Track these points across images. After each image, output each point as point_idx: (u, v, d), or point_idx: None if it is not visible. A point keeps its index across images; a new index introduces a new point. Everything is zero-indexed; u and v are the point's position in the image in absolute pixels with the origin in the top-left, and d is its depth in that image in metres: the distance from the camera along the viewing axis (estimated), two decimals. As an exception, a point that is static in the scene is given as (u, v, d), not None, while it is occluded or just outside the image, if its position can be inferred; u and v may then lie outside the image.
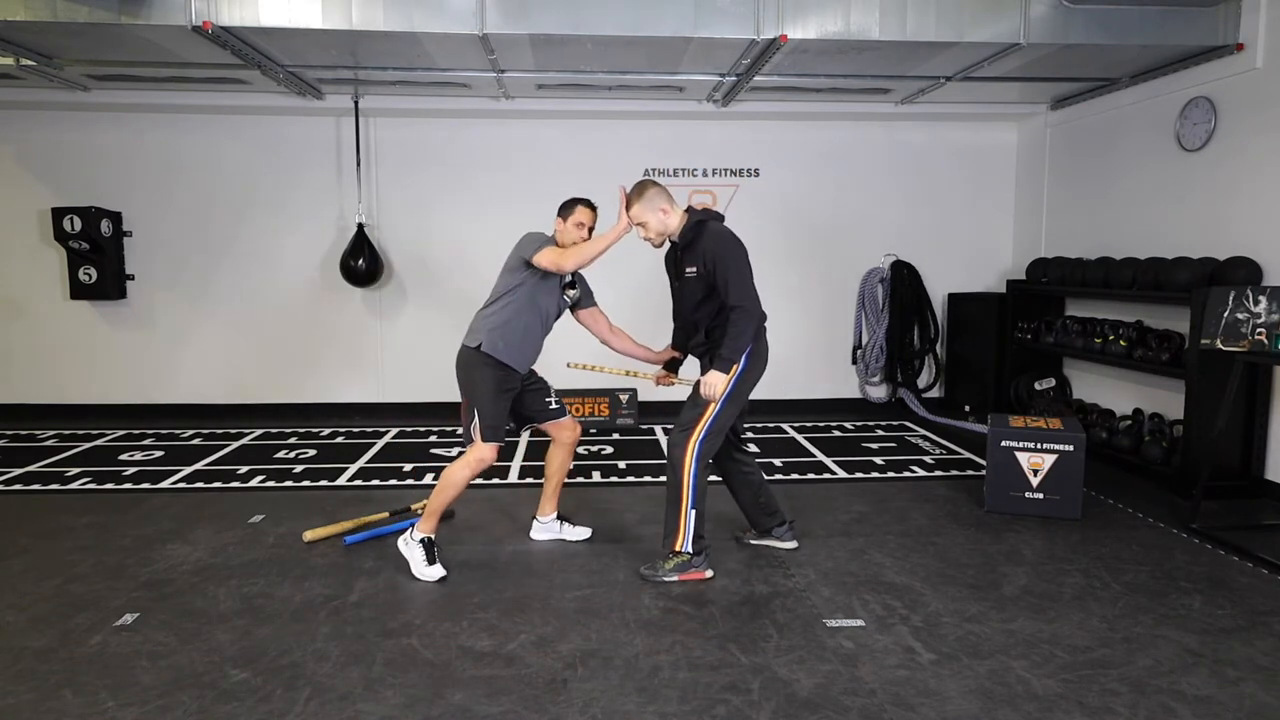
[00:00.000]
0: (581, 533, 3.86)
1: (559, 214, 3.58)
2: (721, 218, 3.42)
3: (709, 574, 3.37)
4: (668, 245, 3.50)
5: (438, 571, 3.39)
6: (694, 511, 3.31)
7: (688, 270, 3.38)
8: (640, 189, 3.34)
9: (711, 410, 3.31)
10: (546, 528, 3.86)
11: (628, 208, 3.34)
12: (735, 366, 3.31)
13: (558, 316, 3.66)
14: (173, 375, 6.64)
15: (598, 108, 6.26)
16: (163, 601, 3.16)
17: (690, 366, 3.62)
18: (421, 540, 3.43)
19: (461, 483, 3.44)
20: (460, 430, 3.56)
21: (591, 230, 3.53)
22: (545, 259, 3.37)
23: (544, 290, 3.52)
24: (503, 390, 3.46)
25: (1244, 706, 2.45)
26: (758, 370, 3.41)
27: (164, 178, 6.47)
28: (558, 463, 3.80)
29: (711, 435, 3.33)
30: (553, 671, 2.65)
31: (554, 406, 3.71)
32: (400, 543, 3.48)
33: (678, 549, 3.33)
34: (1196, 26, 4.59)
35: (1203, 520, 3.98)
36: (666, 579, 3.33)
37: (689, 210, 3.41)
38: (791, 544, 3.70)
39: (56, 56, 5.01)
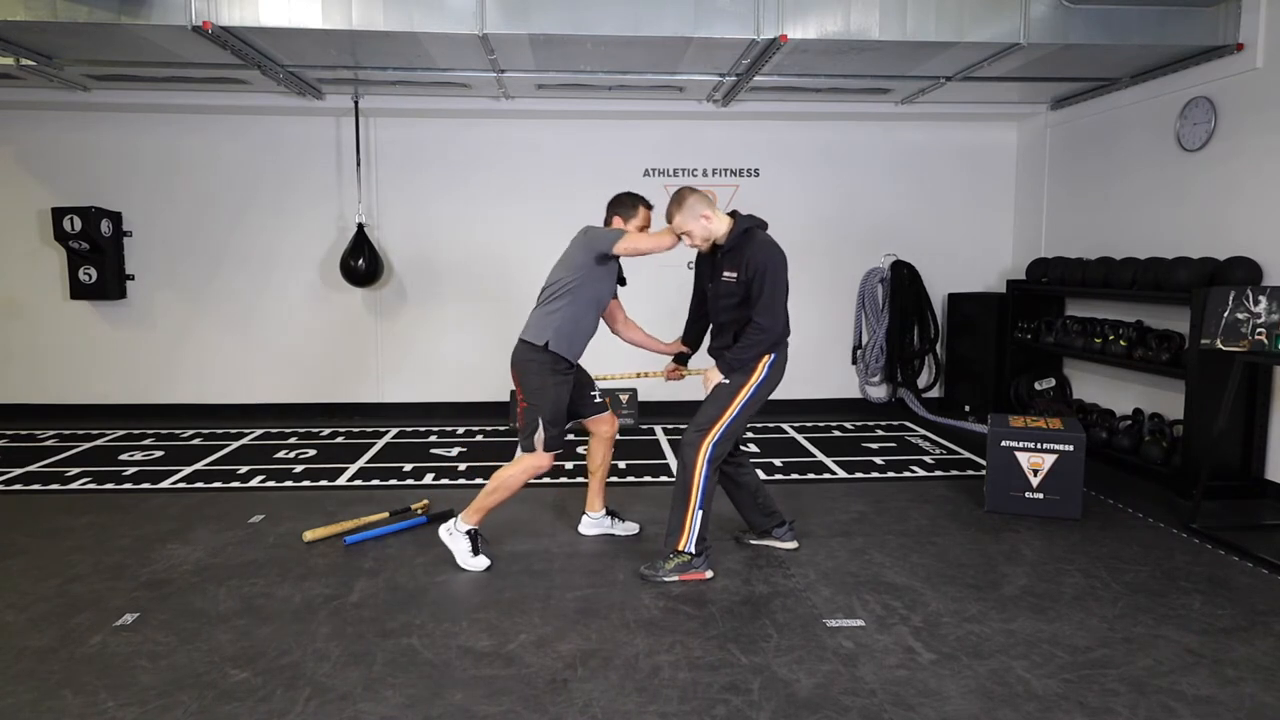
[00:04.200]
0: (630, 528, 3.89)
1: (616, 213, 3.58)
2: (765, 225, 3.38)
3: (709, 574, 3.37)
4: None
5: (483, 562, 3.47)
6: (700, 513, 3.31)
7: (726, 274, 3.35)
8: (679, 199, 3.32)
9: (730, 413, 3.32)
10: (597, 523, 3.89)
11: (668, 218, 3.35)
12: (752, 375, 3.32)
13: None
14: (173, 375, 6.64)
15: (598, 108, 6.26)
16: (163, 601, 3.16)
17: (700, 358, 3.63)
18: (468, 531, 3.49)
19: (515, 487, 3.49)
20: (515, 427, 3.53)
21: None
22: (625, 247, 3.38)
23: (603, 282, 3.55)
24: (563, 389, 3.48)
25: (1244, 706, 2.45)
26: (776, 379, 3.42)
27: (164, 178, 6.47)
28: (600, 457, 3.82)
29: (725, 439, 3.34)
30: (553, 671, 2.65)
31: (598, 400, 3.75)
32: (444, 534, 3.52)
33: (680, 548, 3.33)
34: (1196, 26, 4.59)
35: (1203, 520, 3.98)
36: (666, 579, 3.32)
37: (734, 214, 3.38)
38: (791, 544, 3.71)
39: (56, 56, 5.01)
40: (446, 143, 6.58)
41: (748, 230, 3.32)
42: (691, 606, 3.13)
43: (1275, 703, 2.47)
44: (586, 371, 3.73)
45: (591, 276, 3.46)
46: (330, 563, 3.56)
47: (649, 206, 3.59)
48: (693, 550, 3.33)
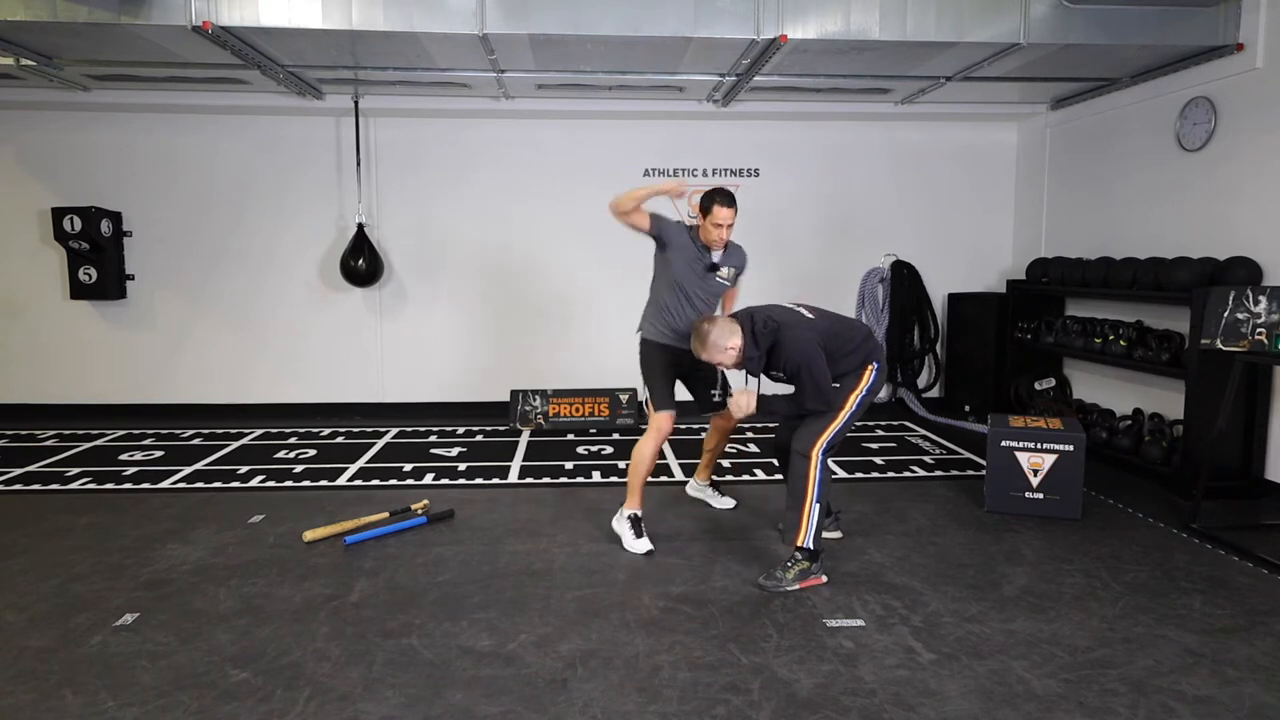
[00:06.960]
0: (727, 503, 4.28)
1: (699, 209, 3.73)
2: (776, 326, 3.32)
3: (825, 579, 3.35)
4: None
5: (645, 545, 3.65)
6: (817, 506, 3.31)
7: (771, 371, 3.44)
8: (701, 337, 3.33)
9: (837, 423, 3.35)
10: (700, 490, 4.38)
11: (695, 355, 3.45)
12: (860, 383, 3.41)
13: (716, 294, 3.83)
14: (173, 375, 6.64)
15: (598, 108, 6.26)
16: (163, 601, 3.16)
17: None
18: (629, 516, 3.73)
19: (649, 455, 3.70)
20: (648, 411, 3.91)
21: (730, 229, 3.65)
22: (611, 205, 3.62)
23: (679, 266, 3.68)
24: (669, 365, 3.76)
25: (1244, 706, 2.45)
26: (880, 385, 3.47)
27: (164, 178, 6.47)
28: (714, 441, 4.22)
29: (833, 448, 3.38)
30: (553, 671, 2.65)
31: (716, 399, 3.98)
32: (614, 522, 3.81)
33: (799, 543, 3.31)
34: (1196, 26, 4.59)
35: (1203, 520, 3.98)
36: (788, 588, 3.27)
37: (743, 326, 3.35)
38: (836, 534, 3.83)
39: (56, 56, 5.01)
40: (446, 143, 6.58)
41: (774, 344, 3.33)
42: (691, 606, 3.13)
43: (1275, 703, 2.47)
44: (717, 369, 3.85)
45: (660, 261, 3.76)
46: (330, 563, 3.56)
47: (725, 204, 3.58)
48: (811, 546, 3.31)
